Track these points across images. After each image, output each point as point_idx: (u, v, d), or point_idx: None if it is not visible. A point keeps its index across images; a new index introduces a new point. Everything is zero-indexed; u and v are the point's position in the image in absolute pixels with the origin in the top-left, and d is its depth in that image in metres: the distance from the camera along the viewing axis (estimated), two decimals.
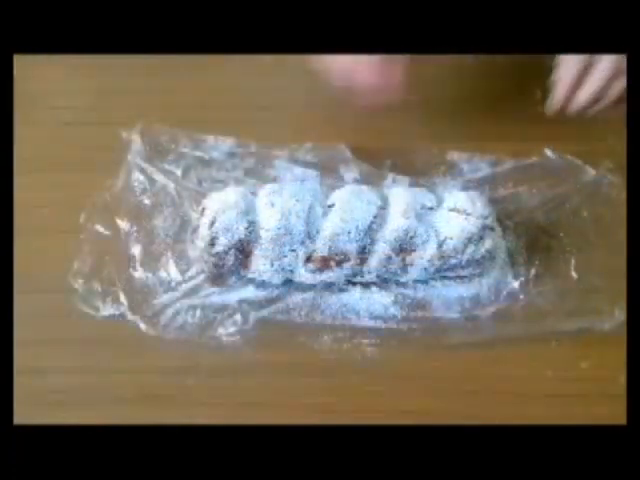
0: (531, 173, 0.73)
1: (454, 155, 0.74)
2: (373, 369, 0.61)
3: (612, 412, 0.55)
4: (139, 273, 0.65)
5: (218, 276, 0.64)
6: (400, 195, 0.63)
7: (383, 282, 0.64)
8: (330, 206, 0.63)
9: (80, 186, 0.67)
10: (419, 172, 0.72)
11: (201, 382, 0.60)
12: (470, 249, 0.61)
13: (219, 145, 0.74)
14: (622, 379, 0.58)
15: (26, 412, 0.55)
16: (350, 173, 0.72)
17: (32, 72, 0.76)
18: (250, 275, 0.63)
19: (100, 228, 0.67)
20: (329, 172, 0.71)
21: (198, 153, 0.73)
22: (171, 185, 0.71)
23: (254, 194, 0.64)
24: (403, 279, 0.64)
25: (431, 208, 0.63)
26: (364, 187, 0.65)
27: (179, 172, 0.72)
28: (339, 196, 0.63)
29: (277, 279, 0.63)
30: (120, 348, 0.62)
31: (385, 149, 0.73)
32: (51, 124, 0.73)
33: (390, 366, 0.61)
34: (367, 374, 0.60)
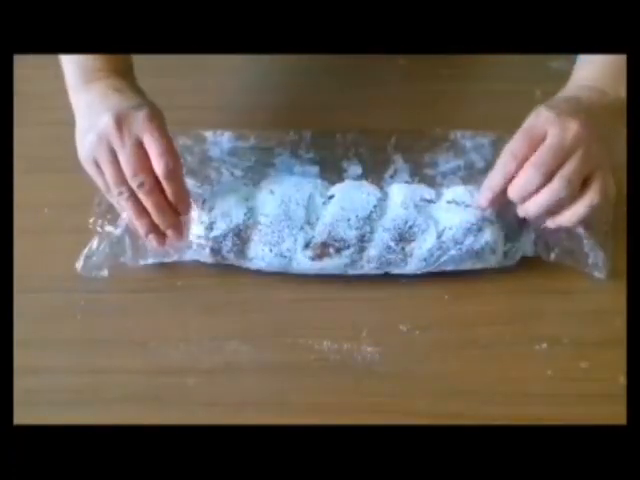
0: None
1: (457, 134, 0.73)
2: (373, 369, 0.61)
3: (612, 412, 0.54)
4: None
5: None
6: (399, 189, 0.64)
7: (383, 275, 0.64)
8: (330, 197, 0.63)
9: (80, 186, 0.66)
10: (423, 149, 0.71)
11: (201, 382, 0.60)
12: (469, 240, 0.61)
13: (219, 142, 0.73)
14: (622, 379, 0.58)
15: (26, 412, 0.55)
16: (352, 165, 0.71)
17: (32, 72, 0.75)
18: (249, 261, 0.63)
19: (109, 228, 0.66)
20: (331, 167, 0.71)
21: (198, 153, 0.73)
22: None
23: (255, 185, 0.64)
24: (403, 271, 0.64)
25: (430, 201, 0.63)
26: (364, 182, 0.65)
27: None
28: (339, 188, 0.64)
29: (276, 265, 0.63)
30: (120, 348, 0.62)
31: (389, 129, 0.73)
32: (51, 124, 0.73)
33: (390, 366, 0.61)
34: (367, 374, 0.60)
